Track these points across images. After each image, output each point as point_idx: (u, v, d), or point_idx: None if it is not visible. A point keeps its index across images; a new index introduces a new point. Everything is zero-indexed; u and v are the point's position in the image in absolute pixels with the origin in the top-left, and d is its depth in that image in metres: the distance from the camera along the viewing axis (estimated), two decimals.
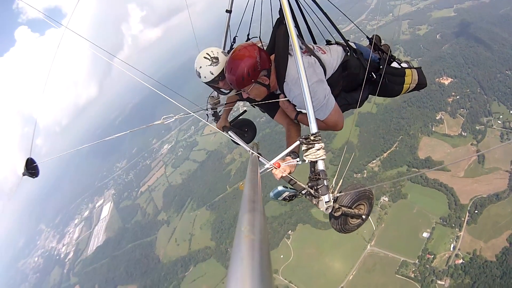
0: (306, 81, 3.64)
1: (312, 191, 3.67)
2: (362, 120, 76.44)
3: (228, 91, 5.38)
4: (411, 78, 5.23)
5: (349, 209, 4.00)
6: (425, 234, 59.86)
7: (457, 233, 58.15)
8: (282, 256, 67.92)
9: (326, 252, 64.82)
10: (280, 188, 3.72)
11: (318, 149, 3.61)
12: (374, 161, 73.13)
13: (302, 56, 3.69)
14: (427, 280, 54.97)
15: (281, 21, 4.19)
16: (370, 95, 5.18)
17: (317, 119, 3.77)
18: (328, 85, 4.27)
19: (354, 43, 5.06)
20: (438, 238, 58.77)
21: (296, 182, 3.89)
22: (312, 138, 3.63)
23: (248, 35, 5.39)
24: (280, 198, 3.78)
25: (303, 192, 3.74)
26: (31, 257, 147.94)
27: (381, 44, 5.51)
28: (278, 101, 4.54)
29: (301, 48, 3.80)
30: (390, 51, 5.44)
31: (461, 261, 54.74)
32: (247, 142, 6.53)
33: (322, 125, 4.17)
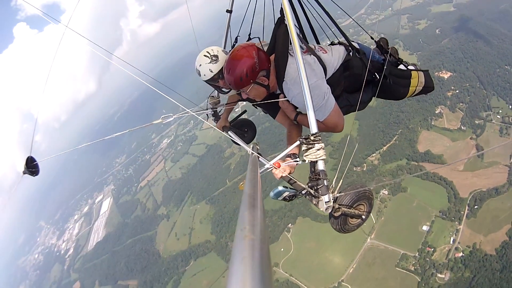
0: (307, 81, 3.64)
1: (312, 191, 3.67)
2: (361, 114, 75.77)
3: (228, 90, 5.37)
4: (417, 81, 5.16)
5: (349, 209, 4.00)
6: (424, 227, 60.07)
7: (457, 227, 58.38)
8: (282, 249, 68.17)
9: (326, 245, 65.00)
10: (280, 188, 3.73)
11: (318, 149, 3.61)
12: (373, 155, 73.28)
13: (302, 56, 3.69)
14: (427, 273, 55.26)
15: (282, 21, 4.17)
16: (375, 98, 5.14)
17: (316, 120, 3.77)
18: (329, 85, 4.24)
19: (358, 43, 5.03)
20: (438, 232, 58.99)
21: (296, 182, 3.90)
22: (312, 138, 3.62)
23: (250, 34, 5.36)
24: (280, 198, 3.80)
25: (303, 192, 3.74)
26: (31, 254, 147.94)
27: (388, 46, 5.46)
28: (278, 101, 4.51)
29: (301, 48, 3.80)
30: (397, 54, 5.43)
31: (461, 254, 54.98)
32: (247, 142, 6.54)
33: (322, 126, 4.13)
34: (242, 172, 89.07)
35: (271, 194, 3.75)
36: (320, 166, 3.66)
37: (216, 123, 6.33)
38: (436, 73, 78.76)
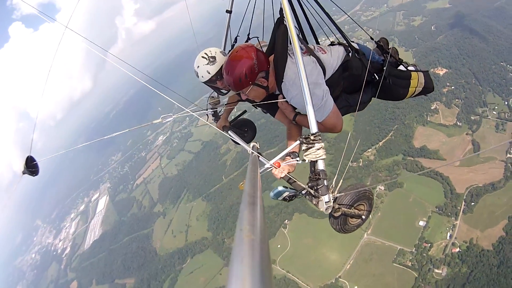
0: (306, 82, 3.62)
1: (312, 191, 3.66)
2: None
3: (227, 91, 5.35)
4: (417, 82, 5.14)
5: (349, 209, 4.00)
6: (421, 223, 60.32)
7: (453, 222, 58.67)
8: (279, 246, 68.20)
9: (323, 241, 65.14)
10: (280, 188, 3.71)
11: (318, 149, 3.60)
12: (369, 150, 73.42)
13: (302, 56, 3.67)
14: (424, 268, 55.51)
15: (281, 21, 4.14)
16: (375, 99, 5.14)
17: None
18: (328, 85, 4.23)
19: (357, 44, 5.01)
20: (435, 227, 59.26)
21: (296, 182, 3.89)
22: (312, 137, 3.62)
23: (249, 35, 5.34)
24: (280, 198, 3.78)
25: (303, 192, 3.73)
26: (28, 254, 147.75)
27: (388, 47, 5.44)
28: (277, 102, 4.49)
29: (301, 49, 3.78)
30: (398, 54, 5.41)
31: (457, 249, 55.28)
32: (247, 142, 6.47)
33: (320, 127, 4.04)
34: (238, 169, 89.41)
35: (271, 194, 3.74)
36: (320, 166, 3.65)
37: (216, 123, 6.33)
38: (432, 70, 78.76)
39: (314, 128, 3.63)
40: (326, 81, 4.27)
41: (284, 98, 4.37)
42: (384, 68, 4.76)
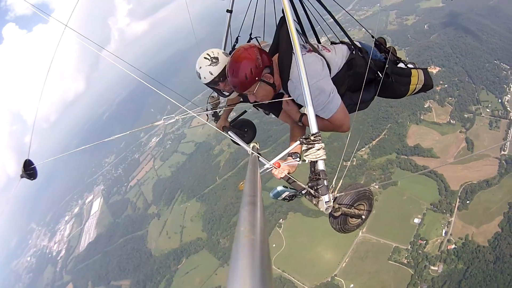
0: (306, 80, 3.62)
1: (312, 191, 3.65)
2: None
3: (229, 93, 5.32)
4: (417, 79, 5.17)
5: (349, 209, 4.00)
6: (416, 220, 60.62)
7: (448, 219, 59.05)
8: (274, 245, 68.04)
9: (318, 240, 65.26)
10: (280, 188, 3.70)
11: (318, 149, 3.59)
12: (363, 149, 73.55)
13: (302, 55, 3.66)
14: (420, 265, 55.82)
15: (284, 20, 4.10)
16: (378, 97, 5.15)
17: (322, 118, 3.83)
18: (333, 84, 4.21)
19: (359, 42, 5.03)
20: (430, 224, 59.59)
21: (296, 182, 3.88)
22: (312, 138, 3.61)
23: (251, 34, 5.33)
24: (280, 198, 3.78)
25: (303, 192, 3.72)
26: (24, 257, 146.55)
27: (386, 45, 5.46)
28: (282, 101, 4.47)
29: (305, 47, 3.86)
30: (396, 52, 5.44)
31: (453, 246, 55.61)
32: (247, 142, 6.46)
33: (328, 124, 4.10)
34: (231, 169, 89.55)
35: (271, 194, 3.74)
36: (320, 166, 3.65)
37: (216, 123, 6.31)
38: None
39: (314, 128, 3.62)
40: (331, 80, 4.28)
41: (289, 96, 4.36)
42: (386, 65, 4.77)
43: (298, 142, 3.81)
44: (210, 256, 76.28)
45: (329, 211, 3.76)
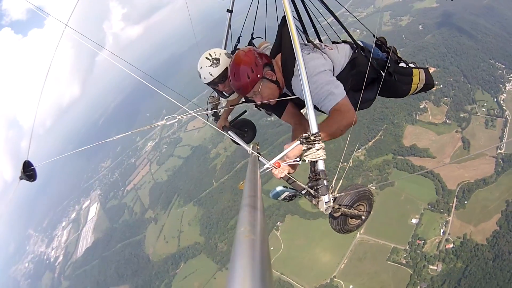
0: (306, 79, 3.61)
1: (312, 191, 3.63)
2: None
3: (228, 94, 5.31)
4: (418, 78, 5.21)
5: (348, 210, 3.97)
6: (414, 220, 60.74)
7: (446, 218, 59.23)
8: (272, 248, 67.95)
9: (316, 242, 65.32)
10: (279, 188, 3.70)
11: (318, 149, 3.56)
12: (359, 150, 73.50)
13: (305, 54, 3.72)
14: (419, 265, 55.96)
15: (286, 19, 4.13)
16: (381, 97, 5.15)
17: (327, 120, 3.86)
18: None
19: (361, 42, 5.04)
20: (428, 224, 59.73)
21: (296, 182, 3.86)
22: (312, 138, 3.57)
23: (252, 34, 5.38)
24: (279, 198, 3.76)
25: (303, 192, 3.71)
26: (22, 263, 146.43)
27: (387, 45, 5.47)
28: (286, 100, 4.49)
29: (308, 47, 3.86)
30: (397, 52, 5.43)
31: (452, 245, 55.80)
32: (247, 142, 6.46)
33: (335, 118, 3.99)
34: (228, 173, 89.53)
35: (270, 194, 3.74)
36: (320, 166, 3.62)
37: (216, 123, 6.31)
38: None
39: (314, 128, 3.60)
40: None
41: (293, 94, 4.36)
42: (388, 64, 4.79)
43: (298, 142, 3.77)
44: (208, 260, 76.17)
45: (329, 211, 3.73)
